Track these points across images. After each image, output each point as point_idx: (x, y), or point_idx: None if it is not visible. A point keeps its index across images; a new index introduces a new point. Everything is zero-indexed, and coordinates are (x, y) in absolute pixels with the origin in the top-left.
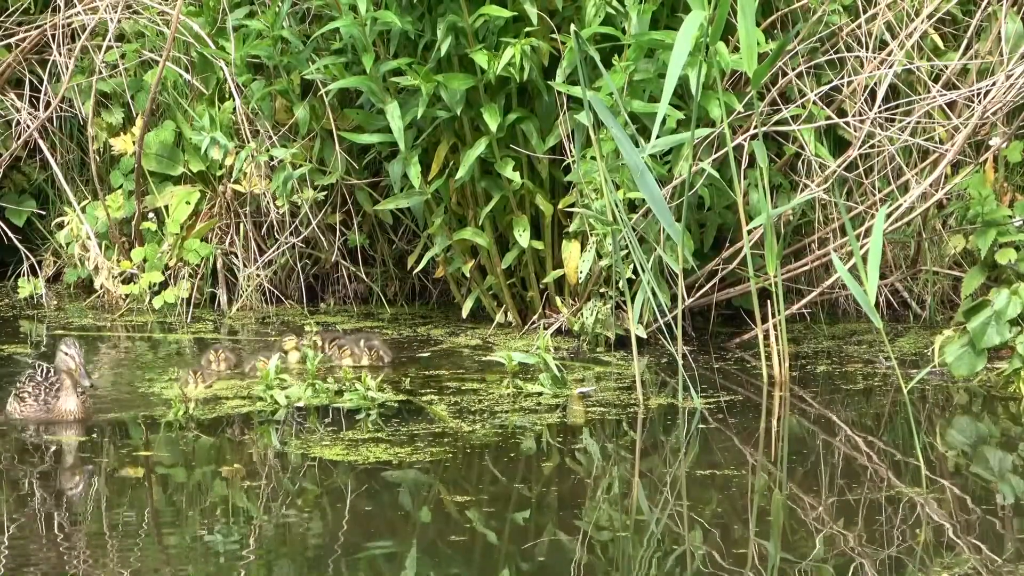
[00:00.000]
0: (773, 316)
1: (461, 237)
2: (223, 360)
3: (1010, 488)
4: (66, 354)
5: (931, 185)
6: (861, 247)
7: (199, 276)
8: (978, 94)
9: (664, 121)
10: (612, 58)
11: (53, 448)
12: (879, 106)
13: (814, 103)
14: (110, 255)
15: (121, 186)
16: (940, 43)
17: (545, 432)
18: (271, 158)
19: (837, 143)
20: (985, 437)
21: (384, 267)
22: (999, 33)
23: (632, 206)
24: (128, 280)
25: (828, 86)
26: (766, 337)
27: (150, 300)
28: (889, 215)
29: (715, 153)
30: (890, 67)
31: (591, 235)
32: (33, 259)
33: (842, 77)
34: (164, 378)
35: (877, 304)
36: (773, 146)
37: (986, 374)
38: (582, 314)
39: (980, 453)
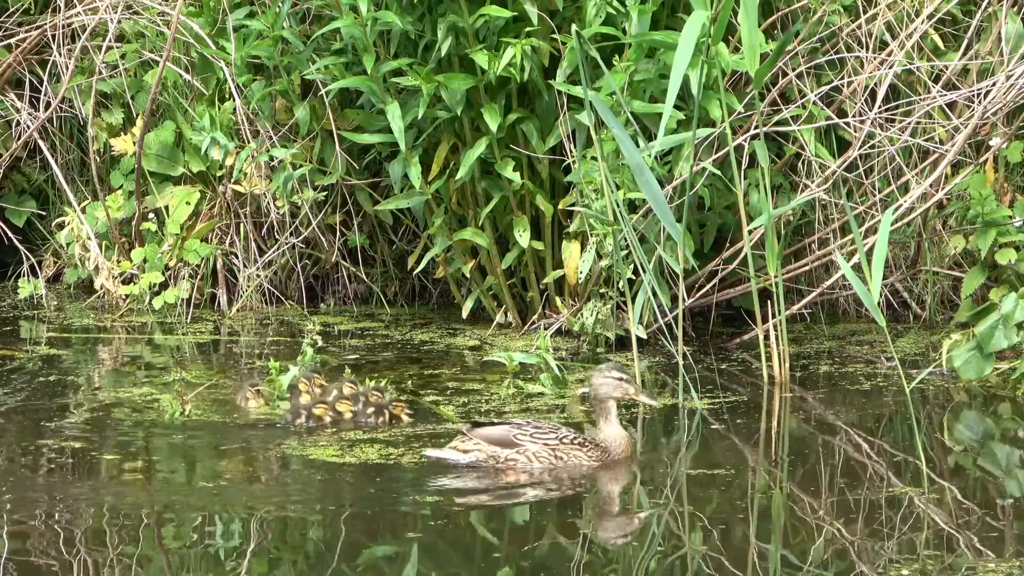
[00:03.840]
0: (773, 316)
1: (461, 237)
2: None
3: (1013, 488)
4: (619, 379)
5: (931, 185)
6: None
7: (199, 276)
8: (978, 94)
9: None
10: (613, 58)
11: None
12: (879, 106)
13: (814, 103)
14: (110, 255)
15: (121, 186)
16: (940, 43)
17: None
18: (271, 158)
19: (838, 143)
20: (987, 437)
21: (384, 267)
22: (999, 33)
23: (632, 206)
24: (128, 280)
25: (828, 86)
26: (766, 337)
27: (150, 300)
28: None
29: (715, 153)
30: (890, 67)
31: (591, 235)
32: (33, 259)
33: (842, 77)
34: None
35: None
36: (773, 146)
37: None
38: (582, 314)
39: (982, 453)
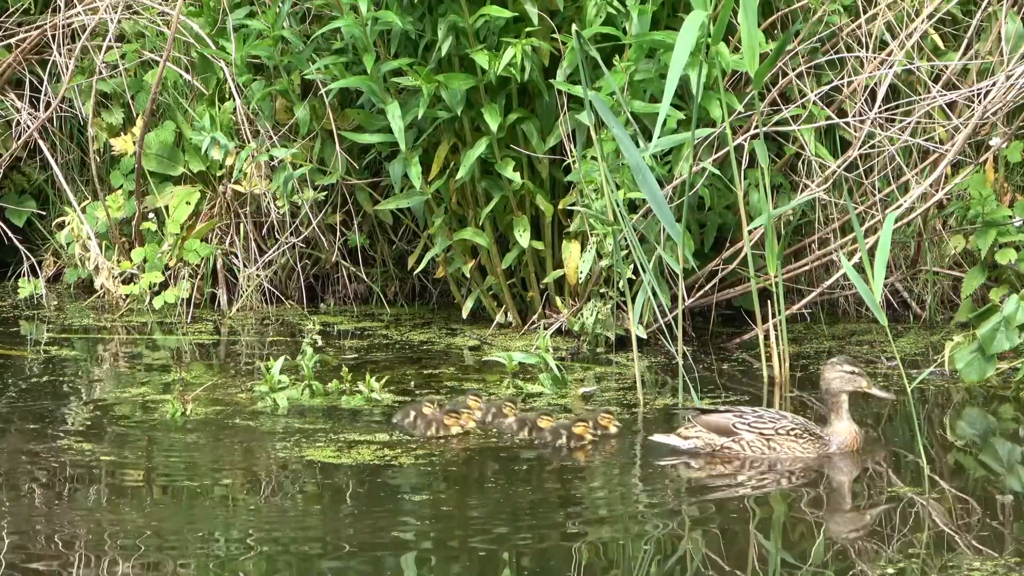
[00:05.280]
0: (773, 316)
1: (461, 237)
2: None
3: (1015, 486)
4: (851, 373)
5: (931, 185)
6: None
7: (199, 276)
8: (978, 94)
9: (664, 121)
10: (613, 58)
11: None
12: (879, 106)
13: (814, 103)
14: (110, 255)
15: (121, 186)
16: (940, 43)
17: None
18: (271, 158)
19: (837, 143)
20: (988, 437)
21: (384, 267)
22: (999, 33)
23: (632, 206)
24: (128, 280)
25: (828, 86)
26: (766, 337)
27: (150, 300)
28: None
29: (715, 153)
30: (890, 67)
31: (591, 235)
32: (33, 259)
33: (842, 77)
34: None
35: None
36: (773, 146)
37: None
38: (582, 314)
39: (983, 453)
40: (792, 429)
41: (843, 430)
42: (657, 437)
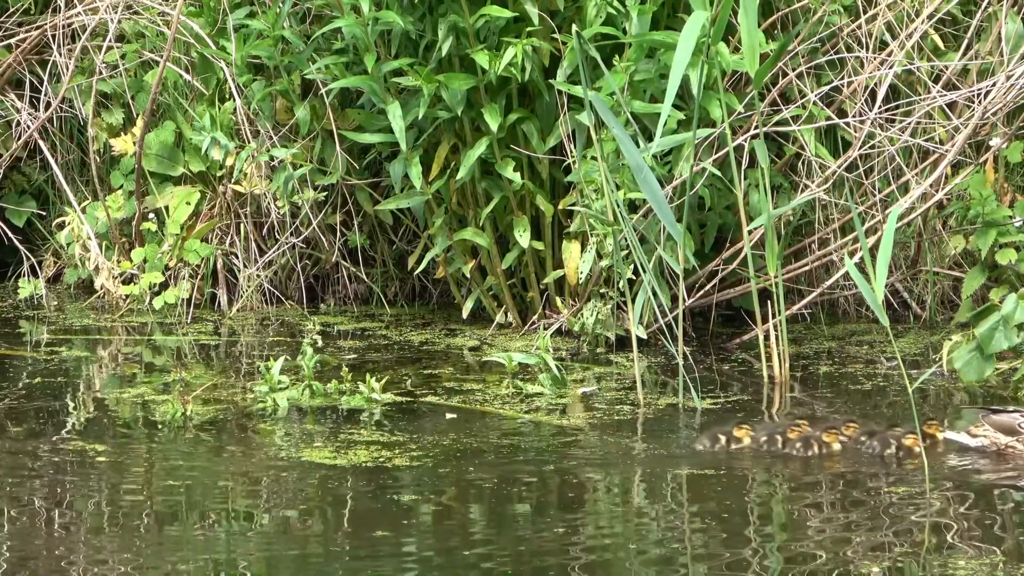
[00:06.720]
0: (773, 316)
1: (461, 237)
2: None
3: (1012, 488)
4: None
5: (931, 185)
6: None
7: (199, 276)
8: (978, 94)
9: (665, 121)
10: (613, 58)
11: None
12: (879, 106)
13: (814, 103)
14: (110, 255)
15: (121, 186)
16: (940, 43)
17: (546, 433)
18: (271, 158)
19: (837, 143)
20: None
21: (384, 268)
22: (999, 33)
23: (632, 206)
24: (128, 280)
25: (828, 86)
26: (767, 338)
27: (150, 301)
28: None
29: (715, 153)
30: (890, 67)
31: (591, 235)
32: (33, 259)
33: (842, 77)
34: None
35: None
36: (773, 147)
37: None
38: (582, 314)
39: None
40: None
41: None
42: (949, 435)
